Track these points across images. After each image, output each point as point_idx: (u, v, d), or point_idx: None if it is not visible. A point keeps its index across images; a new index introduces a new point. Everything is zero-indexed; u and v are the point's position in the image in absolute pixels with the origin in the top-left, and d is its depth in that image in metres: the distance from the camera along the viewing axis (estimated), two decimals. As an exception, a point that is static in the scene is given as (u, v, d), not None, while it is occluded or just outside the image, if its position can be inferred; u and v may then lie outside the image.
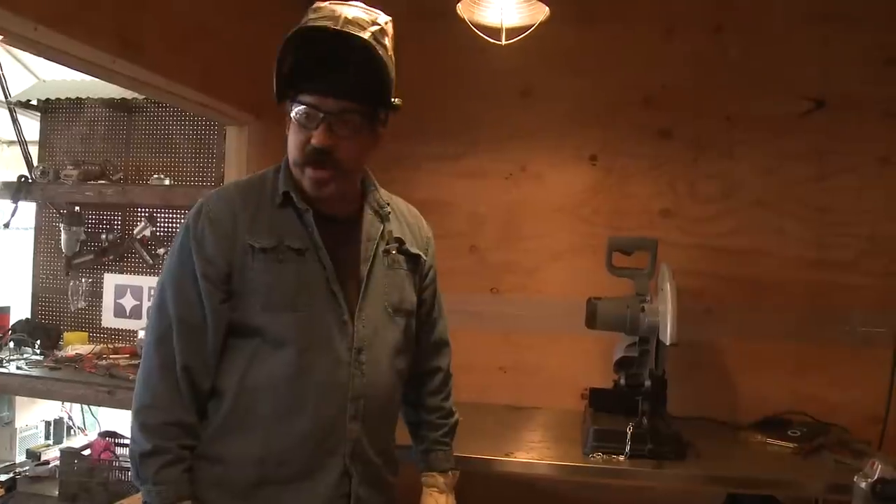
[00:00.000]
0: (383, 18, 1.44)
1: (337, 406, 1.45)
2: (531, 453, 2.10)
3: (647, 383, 2.14)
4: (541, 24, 2.25)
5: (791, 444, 2.21)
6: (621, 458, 2.03)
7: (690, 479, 2.01)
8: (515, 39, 2.27)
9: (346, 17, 1.35)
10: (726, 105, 2.61)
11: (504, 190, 2.80)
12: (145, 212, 3.31)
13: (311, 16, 1.37)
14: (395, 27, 1.47)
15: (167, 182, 3.17)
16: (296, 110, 1.40)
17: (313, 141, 1.39)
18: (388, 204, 1.62)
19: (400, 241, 1.60)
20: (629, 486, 2.25)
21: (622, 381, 2.30)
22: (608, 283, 2.33)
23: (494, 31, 2.28)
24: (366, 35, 1.36)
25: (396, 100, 1.45)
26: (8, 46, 3.53)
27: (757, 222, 2.59)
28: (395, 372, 1.56)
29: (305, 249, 1.45)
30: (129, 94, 3.17)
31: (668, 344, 2.04)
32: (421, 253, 1.65)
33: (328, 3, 1.41)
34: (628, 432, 2.03)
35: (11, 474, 2.93)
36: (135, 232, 3.33)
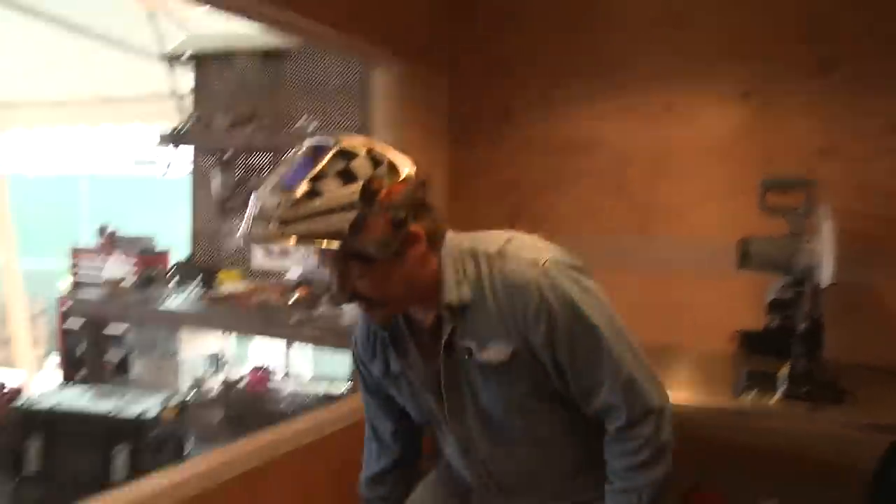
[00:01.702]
0: (312, 171, 1.22)
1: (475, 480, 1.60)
2: (678, 393, 2.08)
3: (803, 325, 2.07)
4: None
5: (961, 393, 2.10)
6: (775, 399, 1.98)
7: (850, 424, 1.93)
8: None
9: (254, 216, 1.24)
10: (894, 35, 2.40)
11: (652, 129, 2.71)
12: (293, 155, 3.46)
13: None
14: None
15: (314, 125, 3.28)
16: None
17: None
18: (460, 300, 1.37)
19: (469, 352, 1.39)
20: (781, 430, 2.19)
21: (774, 324, 2.24)
22: (759, 225, 2.25)
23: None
24: (270, 227, 1.21)
25: (398, 211, 1.25)
26: (159, 4, 3.75)
27: (927, 159, 2.39)
28: (532, 440, 1.49)
29: (400, 373, 1.51)
30: (276, 43, 3.30)
31: (825, 285, 1.96)
32: (504, 347, 1.37)
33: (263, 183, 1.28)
34: (782, 374, 1.98)
35: (183, 398, 3.19)
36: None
